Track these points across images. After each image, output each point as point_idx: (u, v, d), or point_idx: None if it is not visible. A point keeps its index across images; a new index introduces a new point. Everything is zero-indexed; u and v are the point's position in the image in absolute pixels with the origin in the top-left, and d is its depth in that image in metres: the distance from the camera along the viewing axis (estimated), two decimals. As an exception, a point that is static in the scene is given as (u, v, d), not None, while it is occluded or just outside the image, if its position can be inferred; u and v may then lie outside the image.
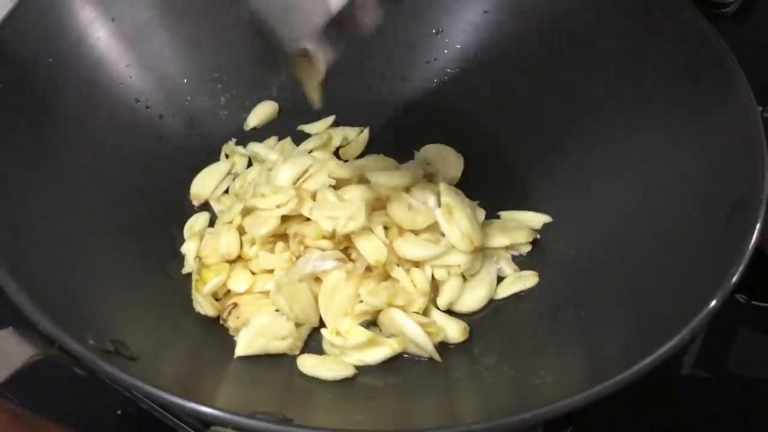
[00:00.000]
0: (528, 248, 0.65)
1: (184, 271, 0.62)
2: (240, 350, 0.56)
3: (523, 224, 0.66)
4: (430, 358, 0.57)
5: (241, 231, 0.61)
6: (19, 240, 0.50)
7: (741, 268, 0.49)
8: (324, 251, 0.59)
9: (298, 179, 0.63)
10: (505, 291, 0.62)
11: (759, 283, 0.66)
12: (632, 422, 0.62)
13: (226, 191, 0.68)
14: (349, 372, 0.56)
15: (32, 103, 0.60)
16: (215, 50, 0.72)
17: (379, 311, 0.58)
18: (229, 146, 0.71)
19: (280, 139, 0.72)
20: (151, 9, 0.69)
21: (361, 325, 0.58)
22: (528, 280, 0.62)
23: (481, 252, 0.62)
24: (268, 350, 0.57)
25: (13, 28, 0.60)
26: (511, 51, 0.72)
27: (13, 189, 0.54)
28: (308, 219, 0.60)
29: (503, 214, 0.67)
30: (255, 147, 0.71)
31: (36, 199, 0.55)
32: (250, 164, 0.70)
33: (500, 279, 0.63)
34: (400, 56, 0.75)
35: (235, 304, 0.58)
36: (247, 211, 0.62)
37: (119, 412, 0.61)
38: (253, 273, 0.61)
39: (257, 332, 0.57)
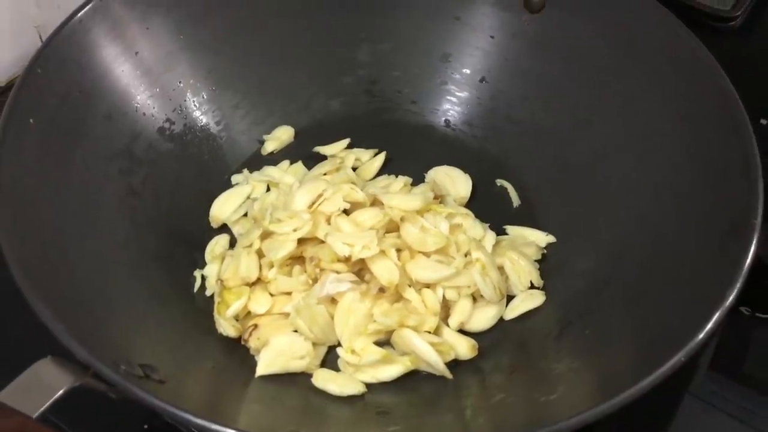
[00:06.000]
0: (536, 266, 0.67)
1: (207, 293, 0.65)
2: (261, 370, 0.59)
3: (531, 241, 0.68)
4: (442, 376, 0.59)
5: (260, 254, 0.64)
6: (55, 273, 0.53)
7: (738, 287, 0.51)
8: (339, 273, 0.61)
9: (314, 203, 0.66)
10: (514, 312, 0.64)
11: (762, 296, 0.68)
12: (646, 429, 0.64)
13: (245, 214, 0.71)
14: (357, 389, 0.58)
15: (61, 135, 0.62)
16: (236, 78, 0.75)
17: (392, 331, 0.61)
18: (241, 175, 0.73)
19: (291, 163, 0.75)
20: (173, 41, 0.71)
21: (375, 343, 0.60)
22: (536, 298, 0.64)
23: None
24: (288, 369, 0.59)
25: (41, 64, 0.62)
26: (518, 74, 0.75)
27: (46, 221, 0.57)
28: (324, 241, 0.63)
29: (510, 229, 0.70)
30: (269, 171, 0.73)
31: (67, 231, 0.58)
32: (268, 188, 0.72)
33: (509, 297, 0.65)
34: (411, 80, 0.78)
35: (256, 326, 0.61)
36: (265, 235, 0.64)
37: (145, 426, 0.62)
38: (271, 295, 0.63)
39: (277, 352, 0.59)
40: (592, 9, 0.70)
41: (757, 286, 0.53)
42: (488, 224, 0.68)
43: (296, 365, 0.59)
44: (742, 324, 0.69)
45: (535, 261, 0.67)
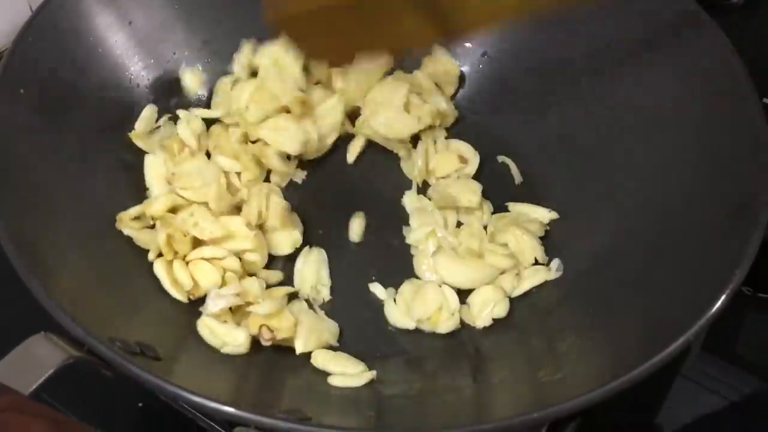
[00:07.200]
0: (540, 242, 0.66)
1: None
2: (300, 347, 0.58)
3: (534, 218, 0.67)
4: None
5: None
6: (47, 248, 0.52)
7: (746, 268, 0.50)
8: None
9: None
10: (518, 289, 0.63)
11: (764, 276, 0.67)
12: (638, 410, 0.64)
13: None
14: (357, 370, 0.57)
15: (52, 106, 0.61)
16: (232, 50, 0.73)
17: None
18: None
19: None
20: (166, 10, 0.70)
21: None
22: (540, 275, 0.63)
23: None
24: (323, 344, 0.59)
25: (32, 33, 0.61)
26: (521, 48, 0.73)
27: (38, 195, 0.55)
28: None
29: (512, 206, 0.69)
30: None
31: (57, 204, 0.57)
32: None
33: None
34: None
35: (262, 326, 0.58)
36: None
37: (140, 404, 0.62)
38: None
39: (309, 330, 0.58)
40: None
41: (761, 266, 0.52)
42: (489, 201, 0.67)
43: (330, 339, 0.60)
44: (741, 304, 0.69)
45: (539, 238, 0.66)
